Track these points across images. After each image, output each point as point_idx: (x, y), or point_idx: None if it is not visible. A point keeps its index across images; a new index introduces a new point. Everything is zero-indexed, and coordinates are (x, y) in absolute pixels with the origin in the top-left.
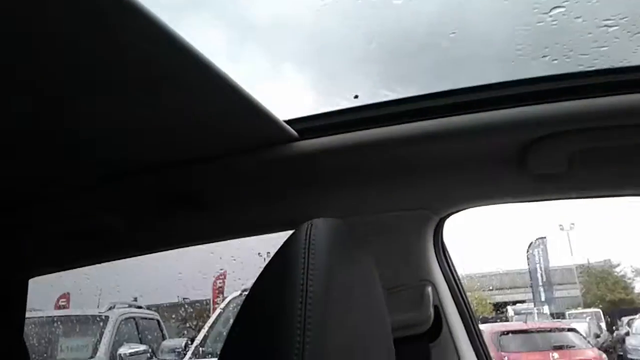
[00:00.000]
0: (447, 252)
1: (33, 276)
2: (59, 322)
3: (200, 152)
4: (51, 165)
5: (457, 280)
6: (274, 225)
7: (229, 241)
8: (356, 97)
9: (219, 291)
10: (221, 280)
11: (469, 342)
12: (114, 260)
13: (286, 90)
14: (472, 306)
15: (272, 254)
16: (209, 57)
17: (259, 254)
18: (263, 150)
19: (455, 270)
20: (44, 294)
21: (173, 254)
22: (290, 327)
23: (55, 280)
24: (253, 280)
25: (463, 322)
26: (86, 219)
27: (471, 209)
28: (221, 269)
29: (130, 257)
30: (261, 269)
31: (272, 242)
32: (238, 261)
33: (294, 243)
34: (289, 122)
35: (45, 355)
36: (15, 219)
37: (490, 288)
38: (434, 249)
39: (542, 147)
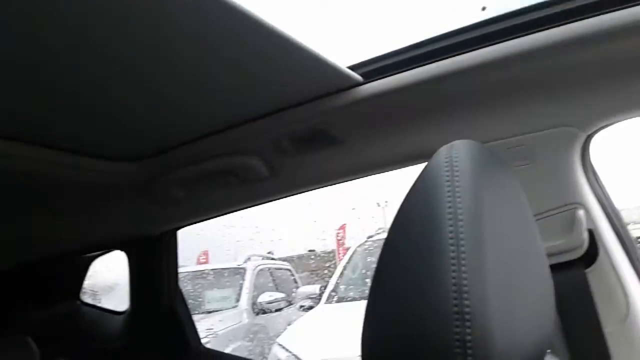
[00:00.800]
0: (597, 173)
1: (182, 227)
2: (202, 276)
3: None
4: (188, 109)
5: (611, 203)
6: (408, 158)
7: (346, 194)
8: (484, 9)
9: (340, 242)
10: (342, 231)
11: (630, 267)
12: (255, 205)
13: None
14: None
15: (389, 202)
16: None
17: (377, 204)
18: (380, 82)
19: (607, 192)
20: (186, 251)
21: (295, 208)
22: (443, 255)
23: (194, 239)
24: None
25: (622, 246)
26: (227, 161)
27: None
28: (343, 223)
29: (270, 201)
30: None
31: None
32: (359, 213)
33: (434, 167)
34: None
35: (194, 305)
36: (158, 168)
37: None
38: (582, 170)
39: None
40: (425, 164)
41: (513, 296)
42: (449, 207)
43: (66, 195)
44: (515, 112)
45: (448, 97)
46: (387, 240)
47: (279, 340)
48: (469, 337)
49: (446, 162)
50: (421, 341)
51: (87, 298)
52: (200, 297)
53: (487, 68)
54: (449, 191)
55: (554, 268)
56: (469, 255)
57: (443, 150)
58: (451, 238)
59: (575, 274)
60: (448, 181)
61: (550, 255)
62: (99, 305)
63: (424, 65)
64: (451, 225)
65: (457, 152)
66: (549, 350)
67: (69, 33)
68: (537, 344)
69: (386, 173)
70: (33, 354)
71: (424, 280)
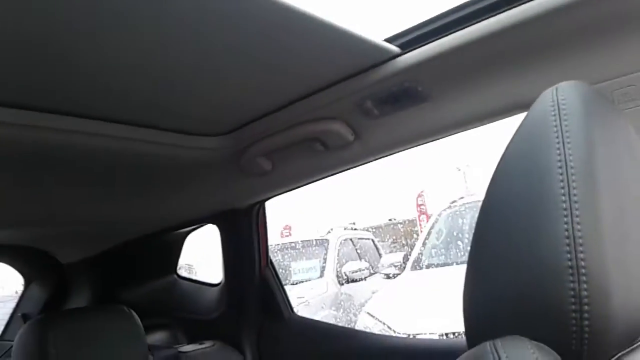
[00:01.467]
0: None
1: (270, 197)
2: (287, 249)
3: None
4: (266, 81)
5: None
6: (502, 111)
7: (424, 161)
8: None
9: (421, 210)
10: (422, 199)
11: None
12: (341, 171)
13: None
14: None
15: (471, 166)
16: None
17: (457, 168)
18: (466, 32)
19: None
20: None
21: (376, 180)
22: (554, 205)
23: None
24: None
25: None
26: (311, 128)
27: None
28: (421, 190)
29: (355, 166)
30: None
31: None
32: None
33: (539, 112)
34: None
35: (281, 276)
36: (244, 141)
37: None
38: None
39: None
40: (525, 113)
41: (631, 248)
42: (558, 155)
43: (157, 173)
44: (619, 49)
45: (543, 40)
46: (487, 195)
47: (366, 309)
48: (585, 293)
49: (552, 105)
50: (532, 298)
51: (182, 272)
52: (286, 269)
53: (584, 5)
54: (557, 137)
55: None
56: (582, 205)
57: (547, 94)
58: (562, 187)
59: None
60: (556, 127)
61: None
62: (195, 278)
63: (510, 9)
64: (561, 174)
65: (563, 95)
66: None
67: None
68: None
69: (467, 134)
70: (136, 325)
71: (532, 234)
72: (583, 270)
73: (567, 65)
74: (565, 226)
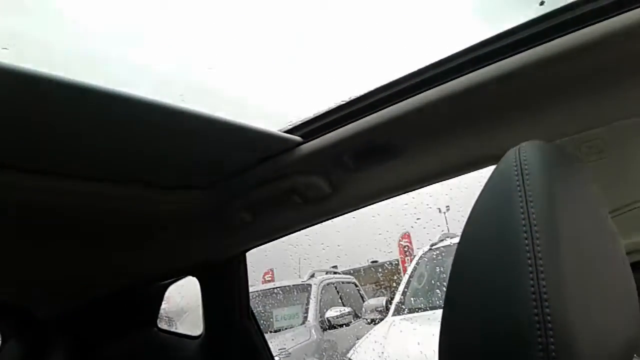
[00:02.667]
0: None
1: (249, 248)
2: (269, 295)
3: None
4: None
5: None
6: (472, 163)
7: (411, 200)
8: (542, 3)
9: (405, 251)
10: (406, 240)
11: None
12: (319, 222)
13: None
14: None
15: (450, 207)
16: None
17: (439, 209)
18: (438, 89)
19: None
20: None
21: (357, 221)
22: (519, 262)
23: (259, 259)
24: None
25: None
26: (290, 181)
27: None
28: (405, 232)
29: (333, 217)
30: (440, 226)
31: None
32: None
33: (502, 172)
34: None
35: (263, 324)
36: (225, 194)
37: None
38: None
39: None
40: (493, 167)
41: (594, 300)
42: (522, 213)
43: (138, 227)
44: (582, 105)
45: (511, 97)
46: (458, 249)
47: (349, 355)
48: (552, 347)
49: (515, 165)
50: (503, 350)
51: (162, 324)
52: (268, 316)
53: (549, 64)
54: (520, 197)
55: (636, 266)
56: (546, 261)
57: (511, 154)
58: (527, 245)
59: None
60: (519, 186)
61: (630, 252)
62: (175, 330)
63: (479, 68)
64: (525, 232)
65: (525, 154)
66: (636, 355)
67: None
68: (623, 348)
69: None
70: None
71: (501, 291)
72: (549, 325)
73: (536, 119)
74: (531, 282)
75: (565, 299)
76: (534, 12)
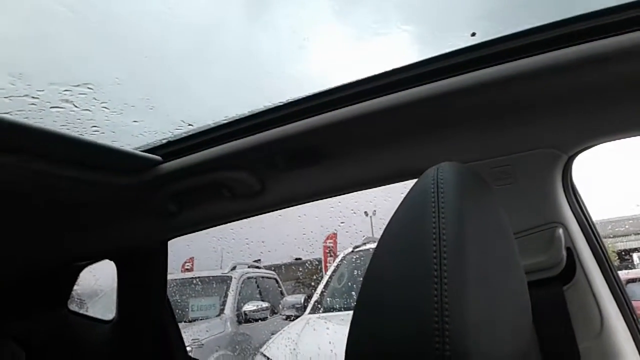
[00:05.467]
0: (578, 192)
1: (172, 237)
2: (188, 284)
3: None
4: None
5: (590, 222)
6: (393, 176)
7: (337, 203)
8: (473, 34)
9: (329, 251)
10: (331, 241)
11: (605, 284)
12: (246, 217)
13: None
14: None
15: (377, 212)
16: None
17: (365, 213)
18: (370, 103)
19: (587, 211)
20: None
21: (283, 218)
22: (426, 272)
23: (180, 246)
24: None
25: (598, 264)
26: (220, 175)
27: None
28: (332, 231)
29: (260, 214)
30: (362, 232)
31: (375, 201)
32: (346, 223)
33: (421, 187)
34: (410, 66)
35: (179, 313)
36: (152, 181)
37: (613, 235)
38: (563, 190)
39: None
40: (413, 181)
41: (492, 313)
42: (434, 227)
43: (58, 206)
44: (499, 133)
45: (433, 119)
46: (374, 255)
47: (262, 350)
48: (448, 354)
49: (432, 183)
50: (402, 355)
51: (74, 306)
52: (185, 305)
53: (474, 91)
54: (434, 212)
55: (533, 285)
56: (450, 273)
57: (430, 172)
58: (435, 257)
59: (553, 291)
60: (434, 202)
61: (529, 272)
62: (86, 313)
63: (410, 88)
64: (435, 245)
65: (442, 174)
66: None
67: None
68: (514, 357)
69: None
70: None
71: (408, 298)
72: (447, 334)
73: (454, 141)
74: (435, 292)
75: (464, 312)
76: (465, 41)
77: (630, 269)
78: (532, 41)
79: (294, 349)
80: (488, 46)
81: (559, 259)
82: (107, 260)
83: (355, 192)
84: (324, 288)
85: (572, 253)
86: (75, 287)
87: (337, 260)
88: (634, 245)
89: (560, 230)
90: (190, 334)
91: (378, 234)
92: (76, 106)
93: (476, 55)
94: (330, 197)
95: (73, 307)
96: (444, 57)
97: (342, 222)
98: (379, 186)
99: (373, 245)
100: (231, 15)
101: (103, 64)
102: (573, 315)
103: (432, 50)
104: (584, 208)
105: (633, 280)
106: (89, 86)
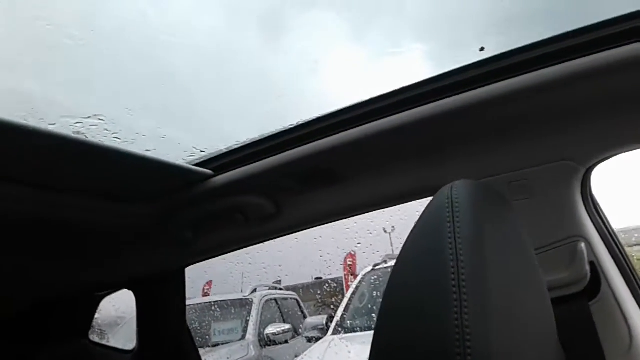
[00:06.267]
0: (598, 204)
1: (189, 264)
2: (209, 308)
3: None
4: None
5: (613, 234)
6: (408, 194)
7: (353, 224)
8: (482, 49)
9: (350, 270)
10: (351, 260)
11: (632, 298)
12: (262, 241)
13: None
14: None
15: (396, 229)
16: None
17: (384, 230)
18: (382, 122)
19: (609, 223)
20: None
21: (300, 241)
22: (446, 294)
23: (199, 271)
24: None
25: (624, 277)
26: (234, 200)
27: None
28: (351, 250)
29: (276, 237)
30: (379, 252)
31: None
32: (363, 243)
33: (435, 207)
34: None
35: (200, 338)
36: (167, 210)
37: (637, 243)
38: (583, 203)
39: None
40: (429, 199)
41: (515, 334)
42: (451, 249)
43: (75, 237)
44: (514, 147)
45: (447, 135)
46: (392, 276)
47: None
48: None
49: (447, 203)
50: None
51: (94, 336)
52: (207, 330)
53: (486, 106)
54: (449, 232)
55: (557, 302)
56: (470, 296)
57: (444, 191)
58: (453, 279)
59: (578, 307)
60: (449, 222)
61: (552, 289)
62: (107, 344)
63: (423, 105)
64: (453, 267)
65: (457, 193)
66: None
67: None
68: None
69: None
70: None
71: (428, 320)
72: (469, 358)
73: (469, 158)
74: (456, 315)
75: (486, 334)
76: (474, 57)
77: None
78: (543, 53)
79: None
80: (498, 60)
81: (582, 273)
82: (126, 290)
83: (371, 212)
84: (345, 308)
85: (595, 267)
86: (96, 317)
87: (358, 279)
88: None
89: (583, 244)
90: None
91: (398, 251)
92: (87, 138)
93: (486, 70)
94: (346, 217)
95: (94, 337)
96: (453, 73)
97: (358, 243)
98: (395, 205)
99: (393, 263)
100: (241, 39)
101: (112, 94)
102: (600, 331)
103: (442, 67)
104: (605, 220)
105: None
106: (100, 117)
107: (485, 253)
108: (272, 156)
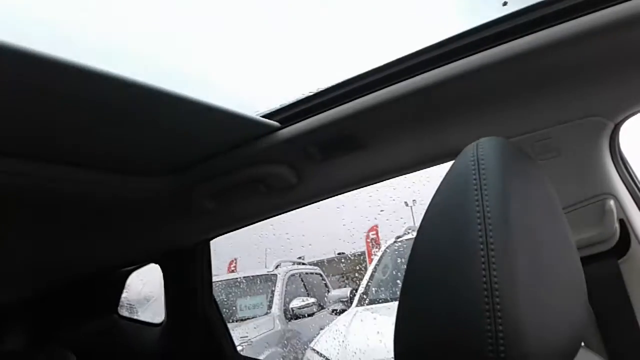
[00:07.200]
0: (627, 161)
1: (214, 237)
2: (234, 284)
3: None
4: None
5: None
6: (432, 158)
7: (375, 191)
8: (505, 4)
9: (372, 243)
10: (374, 232)
11: None
12: (285, 212)
13: None
14: None
15: (417, 202)
16: None
17: (405, 203)
18: (402, 85)
19: (638, 180)
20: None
21: (322, 212)
22: (473, 254)
23: (224, 248)
24: (403, 229)
25: None
26: (256, 170)
27: None
28: (374, 221)
29: (299, 207)
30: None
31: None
32: (386, 211)
33: (461, 166)
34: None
35: (226, 313)
36: (189, 181)
37: None
38: (611, 160)
39: None
40: (452, 162)
41: (544, 291)
42: (477, 208)
43: (101, 213)
44: (539, 105)
45: (471, 95)
46: (416, 242)
47: (312, 345)
48: (500, 334)
49: (472, 161)
50: (454, 339)
51: (124, 311)
52: (232, 305)
53: (510, 63)
54: (476, 191)
55: (586, 260)
56: (498, 253)
57: (469, 149)
58: (480, 237)
59: (607, 265)
60: (475, 180)
61: (581, 247)
62: (136, 317)
63: (444, 64)
64: (480, 225)
65: (482, 150)
66: (582, 344)
67: None
68: (570, 338)
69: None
70: None
71: (455, 280)
72: (499, 314)
73: (491, 119)
74: (483, 272)
75: (515, 290)
76: (497, 12)
77: None
78: (570, 4)
79: (343, 342)
80: (522, 14)
81: (612, 231)
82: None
83: (393, 179)
84: (369, 280)
85: (625, 225)
86: (125, 294)
87: (381, 251)
88: None
89: (612, 202)
90: (239, 333)
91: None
92: None
93: (510, 25)
94: (368, 185)
95: (123, 312)
96: (476, 30)
97: (381, 211)
98: (418, 170)
99: (414, 235)
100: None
101: None
102: (630, 289)
103: (463, 24)
104: (634, 177)
105: None
106: None
107: (513, 214)
108: (291, 125)
